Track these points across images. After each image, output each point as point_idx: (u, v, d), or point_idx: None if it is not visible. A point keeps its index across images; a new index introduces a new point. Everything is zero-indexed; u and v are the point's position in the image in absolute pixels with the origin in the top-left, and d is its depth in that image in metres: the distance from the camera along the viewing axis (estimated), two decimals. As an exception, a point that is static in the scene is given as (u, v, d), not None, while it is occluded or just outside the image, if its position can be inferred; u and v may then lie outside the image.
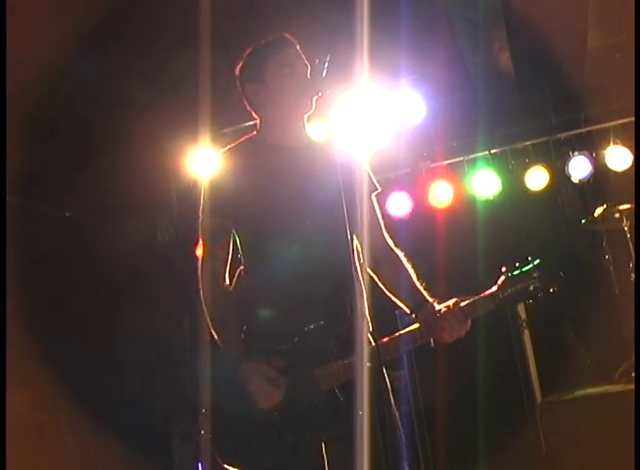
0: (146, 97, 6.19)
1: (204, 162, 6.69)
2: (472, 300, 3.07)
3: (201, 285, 3.12)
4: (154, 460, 6.44)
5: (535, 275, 3.07)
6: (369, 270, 3.20)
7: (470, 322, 3.08)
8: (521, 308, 6.20)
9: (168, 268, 7.25)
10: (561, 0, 6.17)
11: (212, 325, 3.07)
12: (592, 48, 6.82)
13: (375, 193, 3.26)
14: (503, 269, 3.08)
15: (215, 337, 3.06)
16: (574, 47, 6.77)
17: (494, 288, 3.07)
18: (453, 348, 5.81)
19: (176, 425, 6.61)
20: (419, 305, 3.13)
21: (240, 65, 3.27)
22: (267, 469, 2.97)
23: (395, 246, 3.27)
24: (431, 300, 3.13)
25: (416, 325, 3.09)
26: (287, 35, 3.23)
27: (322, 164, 3.13)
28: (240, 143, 3.25)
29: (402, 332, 3.08)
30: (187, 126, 6.26)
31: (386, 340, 3.05)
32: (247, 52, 3.27)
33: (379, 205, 3.29)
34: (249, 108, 3.29)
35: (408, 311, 3.16)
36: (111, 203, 6.99)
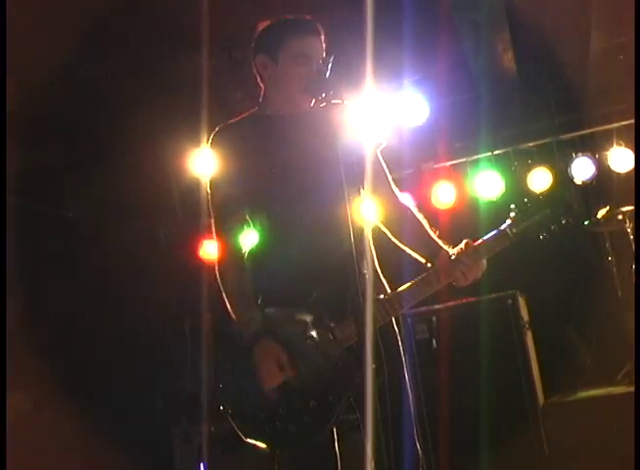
0: (148, 97, 6.19)
1: (206, 162, 6.67)
2: (485, 238, 3.05)
3: (217, 259, 3.11)
4: (155, 460, 6.44)
5: (547, 207, 3.04)
6: (381, 226, 3.19)
7: (485, 262, 3.05)
8: (523, 310, 6.20)
9: (170, 268, 7.25)
10: (564, 1, 6.17)
11: (232, 301, 3.06)
12: (595, 49, 6.81)
13: (380, 147, 3.24)
14: (512, 206, 3.06)
15: (233, 314, 3.04)
16: (578, 48, 6.76)
17: (507, 222, 3.05)
18: (456, 349, 5.84)
19: (178, 425, 6.61)
20: (433, 253, 3.11)
21: (262, 29, 3.23)
22: (290, 437, 2.94)
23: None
24: (445, 247, 3.12)
25: (425, 274, 3.07)
26: (317, 23, 3.19)
27: (324, 126, 3.07)
28: (241, 119, 3.25)
29: (418, 279, 3.05)
30: (189, 126, 6.25)
31: (403, 288, 3.03)
32: (274, 20, 3.21)
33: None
34: (255, 72, 3.27)
35: (424, 261, 3.13)
36: (113, 203, 7.00)
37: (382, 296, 3.02)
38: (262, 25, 3.23)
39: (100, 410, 6.30)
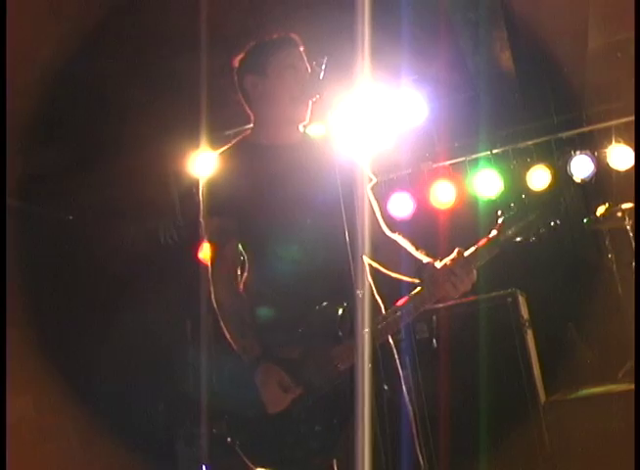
0: (147, 99, 6.20)
1: (205, 164, 6.68)
2: (474, 248, 2.99)
3: (213, 288, 3.09)
4: (157, 463, 6.44)
5: (534, 211, 3.01)
6: (370, 261, 3.15)
7: (475, 273, 2.97)
8: (523, 308, 6.20)
9: (170, 271, 7.26)
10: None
11: (229, 328, 3.04)
12: (593, 47, 6.82)
13: (371, 184, 3.23)
14: (499, 213, 3.03)
15: (232, 341, 3.02)
16: (575, 46, 6.77)
17: (494, 232, 3.00)
18: (456, 347, 5.84)
19: (180, 428, 6.61)
20: (419, 268, 3.05)
21: (241, 57, 3.24)
22: (299, 463, 2.93)
23: (393, 232, 3.24)
24: (429, 260, 3.06)
25: (417, 289, 3.01)
26: (292, 35, 3.22)
27: (317, 159, 3.13)
28: (234, 145, 3.24)
29: (411, 294, 3.00)
30: (188, 128, 6.26)
31: (398, 305, 2.99)
32: (250, 45, 3.24)
33: (376, 198, 3.26)
34: (243, 101, 3.26)
35: (411, 280, 3.08)
36: (112, 205, 7.00)
37: (379, 315, 3.00)
38: (238, 56, 3.24)
39: (101, 412, 6.31)
